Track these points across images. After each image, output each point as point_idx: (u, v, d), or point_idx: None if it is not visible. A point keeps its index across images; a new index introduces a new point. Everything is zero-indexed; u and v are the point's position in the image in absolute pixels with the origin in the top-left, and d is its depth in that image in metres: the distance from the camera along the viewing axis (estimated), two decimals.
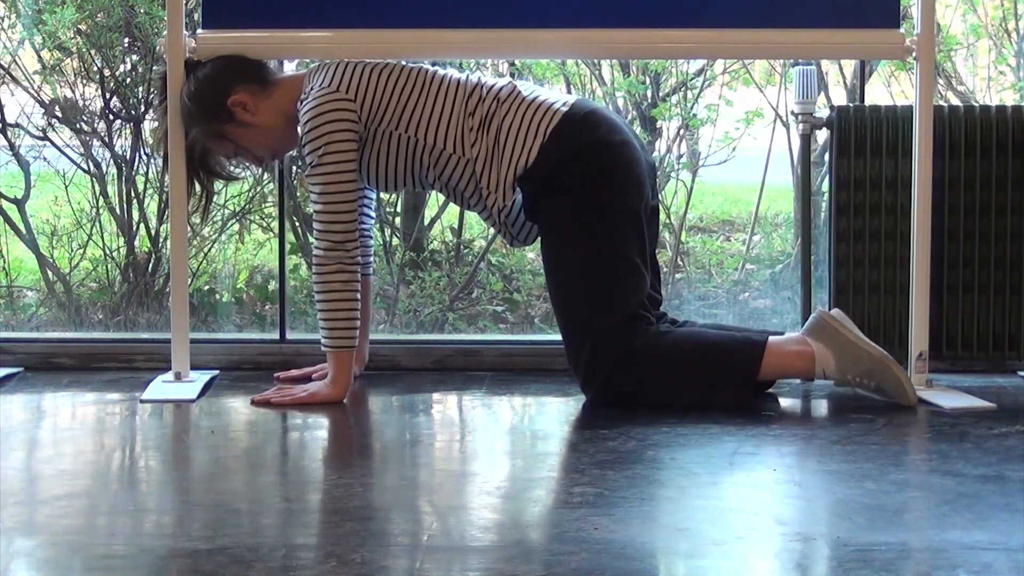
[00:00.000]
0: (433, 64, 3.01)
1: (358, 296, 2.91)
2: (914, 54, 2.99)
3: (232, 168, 3.11)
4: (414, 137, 2.89)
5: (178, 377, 3.06)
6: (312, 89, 2.89)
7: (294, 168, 3.94)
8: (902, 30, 3.02)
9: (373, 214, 3.16)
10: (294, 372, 3.13)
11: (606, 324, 2.82)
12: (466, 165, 2.89)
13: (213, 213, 3.87)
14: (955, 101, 3.84)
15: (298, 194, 3.94)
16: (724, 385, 2.83)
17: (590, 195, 2.86)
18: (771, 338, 2.87)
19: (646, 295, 2.90)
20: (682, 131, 3.94)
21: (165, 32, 3.03)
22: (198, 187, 3.02)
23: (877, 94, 3.88)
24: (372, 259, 3.16)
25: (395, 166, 2.93)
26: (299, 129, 2.90)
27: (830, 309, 2.97)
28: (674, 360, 2.83)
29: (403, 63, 2.95)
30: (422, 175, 2.94)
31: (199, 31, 3.04)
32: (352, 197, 2.88)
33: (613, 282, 2.85)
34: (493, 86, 2.93)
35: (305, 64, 3.81)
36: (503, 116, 2.88)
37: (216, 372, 3.19)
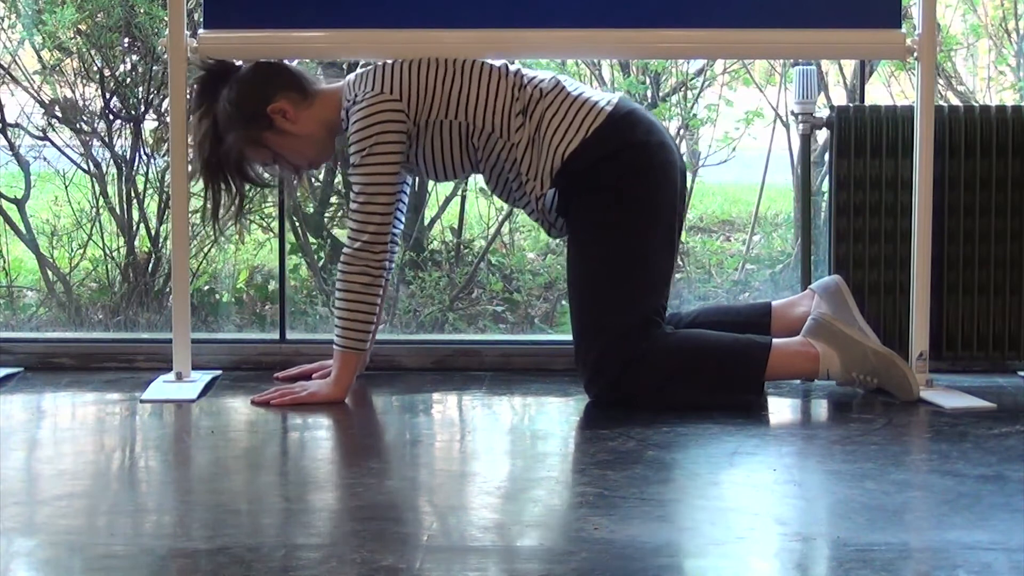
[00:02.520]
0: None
1: (377, 301, 2.91)
2: (915, 54, 2.99)
3: (267, 175, 3.10)
4: (464, 121, 2.89)
5: (179, 377, 3.06)
6: (357, 96, 2.89)
7: None
8: (904, 30, 3.02)
9: (403, 221, 3.17)
10: (293, 371, 3.13)
11: (620, 326, 2.82)
12: (510, 150, 2.89)
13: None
14: (955, 101, 3.84)
15: (298, 194, 3.94)
16: (729, 389, 2.84)
17: (624, 195, 2.86)
18: (775, 340, 2.88)
19: (665, 300, 2.91)
20: (682, 131, 3.94)
21: (166, 32, 3.03)
22: (230, 191, 3.01)
23: (877, 94, 3.88)
24: (393, 265, 3.16)
25: (450, 153, 2.92)
26: (348, 134, 2.90)
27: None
28: (679, 364, 2.83)
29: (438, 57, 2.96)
30: (477, 159, 2.94)
31: (200, 31, 3.04)
32: (390, 200, 2.88)
33: (634, 285, 2.85)
34: (535, 76, 2.93)
35: (306, 63, 3.82)
36: (546, 107, 2.88)
37: (219, 372, 3.19)
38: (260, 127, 2.94)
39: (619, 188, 2.86)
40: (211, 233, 3.05)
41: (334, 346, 2.91)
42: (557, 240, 3.86)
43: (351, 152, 2.89)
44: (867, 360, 2.87)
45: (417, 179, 3.58)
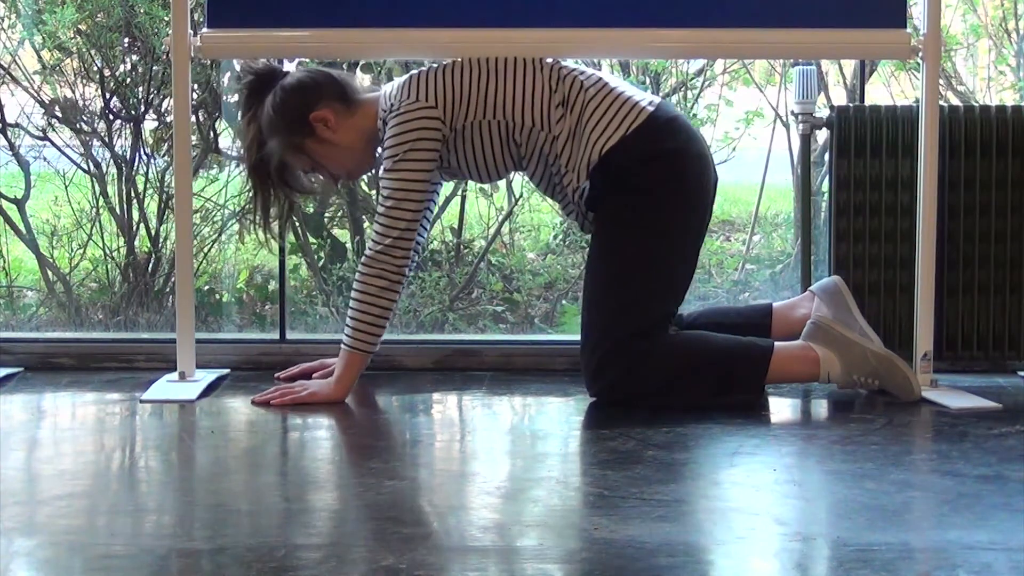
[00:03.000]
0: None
1: (391, 307, 2.91)
2: (920, 54, 2.99)
3: (307, 181, 3.09)
4: (502, 120, 2.88)
5: (182, 377, 3.06)
6: (394, 105, 2.89)
7: None
8: (909, 30, 3.02)
9: (428, 229, 3.16)
10: (294, 370, 3.12)
11: (629, 329, 2.82)
12: (552, 142, 2.88)
13: (212, 213, 3.88)
14: (955, 101, 3.84)
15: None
16: (730, 392, 2.84)
17: (657, 200, 2.86)
18: (776, 344, 2.88)
19: (677, 306, 2.92)
20: None
21: (166, 32, 3.03)
22: (277, 196, 3.02)
23: (877, 94, 3.88)
24: (410, 272, 3.15)
25: (491, 153, 2.92)
26: (383, 140, 2.90)
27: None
28: (680, 366, 2.83)
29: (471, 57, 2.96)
30: (520, 156, 2.94)
31: (203, 30, 3.04)
32: (417, 208, 2.88)
33: (651, 290, 2.85)
34: (576, 69, 2.93)
35: (305, 64, 3.82)
36: (587, 101, 2.87)
37: (227, 371, 3.19)
38: (302, 134, 2.95)
39: (652, 192, 2.86)
40: (262, 237, 3.06)
41: (342, 344, 2.91)
42: (557, 240, 3.86)
43: (384, 157, 2.89)
44: (867, 362, 2.87)
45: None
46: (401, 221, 2.87)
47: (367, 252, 2.90)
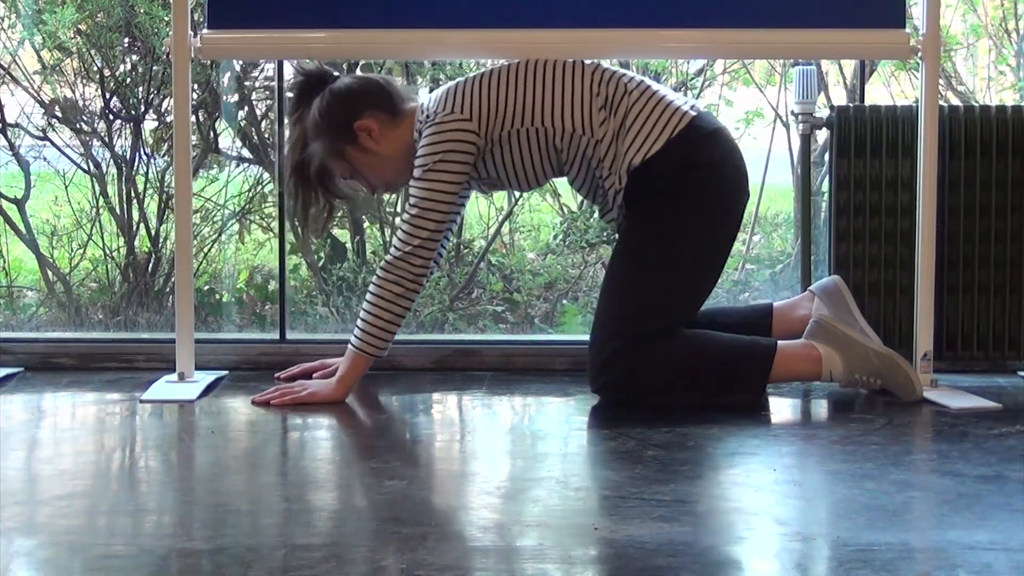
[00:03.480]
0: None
1: (404, 314, 2.90)
2: (919, 54, 2.99)
3: (346, 187, 3.09)
4: (541, 127, 2.88)
5: (182, 377, 3.06)
6: (430, 116, 2.89)
7: None
8: (908, 30, 3.02)
9: (450, 239, 3.15)
10: (294, 369, 3.12)
11: (639, 333, 2.82)
12: (595, 146, 2.87)
13: (212, 213, 3.88)
14: (955, 101, 3.84)
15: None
16: (732, 390, 2.84)
17: (690, 209, 2.86)
18: (779, 343, 2.88)
19: (692, 315, 2.92)
20: None
21: (167, 32, 3.03)
22: (317, 198, 3.02)
23: (877, 94, 3.88)
24: (427, 282, 3.13)
25: (531, 161, 2.92)
26: (418, 148, 2.90)
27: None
28: (683, 365, 2.83)
29: (508, 62, 2.95)
30: (561, 161, 2.93)
31: (204, 31, 3.04)
32: (441, 219, 2.88)
33: (669, 299, 2.84)
34: (618, 71, 2.92)
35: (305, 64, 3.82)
36: (631, 104, 2.86)
37: (225, 372, 3.19)
38: (344, 141, 2.95)
39: (687, 200, 2.86)
40: (303, 237, 3.06)
41: (349, 344, 2.91)
42: (557, 240, 3.86)
43: (416, 166, 2.89)
44: (869, 361, 2.87)
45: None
46: (423, 230, 2.87)
47: (387, 257, 2.90)
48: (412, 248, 2.87)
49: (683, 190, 2.86)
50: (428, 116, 2.90)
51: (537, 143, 2.90)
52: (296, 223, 3.04)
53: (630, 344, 2.82)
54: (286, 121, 3.07)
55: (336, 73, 3.04)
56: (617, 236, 2.99)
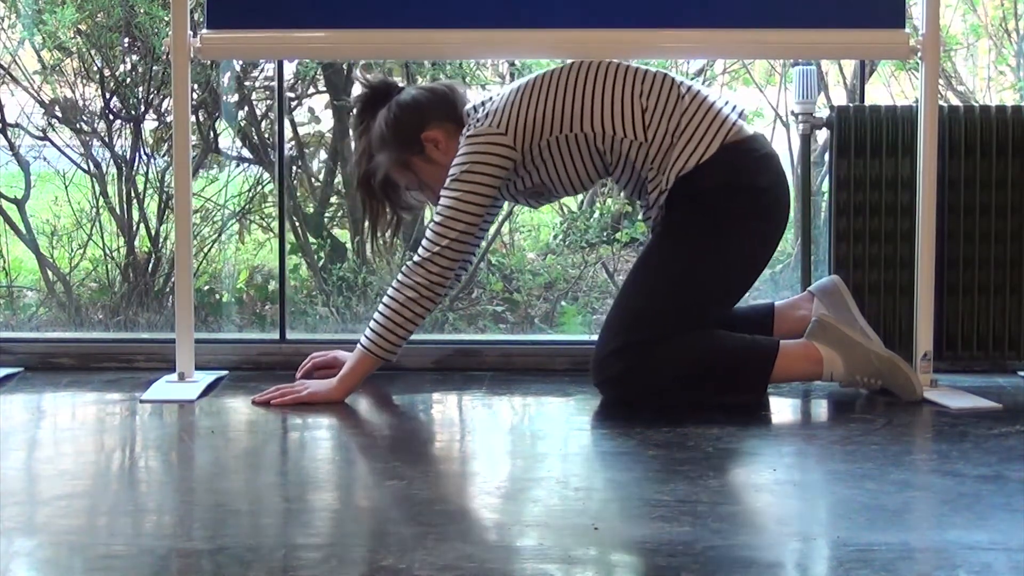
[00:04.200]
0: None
1: (416, 320, 2.89)
2: (919, 54, 2.99)
3: (410, 198, 3.09)
4: (580, 132, 2.87)
5: (182, 377, 3.06)
6: (476, 122, 2.89)
7: (294, 168, 3.94)
8: (908, 30, 3.02)
9: (478, 247, 3.13)
10: (307, 365, 3.06)
11: (648, 334, 2.82)
12: (639, 149, 2.86)
13: (212, 213, 3.88)
14: (955, 101, 3.84)
15: (298, 194, 3.94)
16: (734, 390, 2.83)
17: (728, 230, 2.85)
18: (781, 342, 2.87)
19: (705, 323, 2.90)
20: None
21: (167, 32, 3.03)
22: (384, 210, 3.04)
23: (877, 94, 3.88)
24: (449, 292, 3.11)
25: (575, 166, 2.91)
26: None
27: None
28: (687, 366, 2.82)
29: (559, 64, 2.94)
30: (607, 163, 2.92)
31: (203, 31, 3.04)
32: (464, 228, 2.87)
33: (685, 310, 2.83)
34: (667, 75, 2.91)
35: (306, 63, 3.83)
36: (685, 108, 2.86)
37: (225, 372, 3.19)
38: (411, 152, 2.96)
39: (725, 221, 2.85)
40: (373, 248, 3.06)
41: (358, 343, 2.91)
42: (557, 240, 3.86)
43: (451, 170, 2.89)
44: (871, 363, 2.87)
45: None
46: (444, 238, 2.87)
47: (411, 260, 2.90)
48: (431, 255, 2.87)
49: (725, 208, 2.85)
50: (470, 126, 2.91)
51: (578, 148, 2.89)
52: (365, 235, 3.05)
53: (634, 343, 2.82)
54: (351, 133, 3.06)
55: (400, 84, 3.04)
56: (649, 236, 2.99)
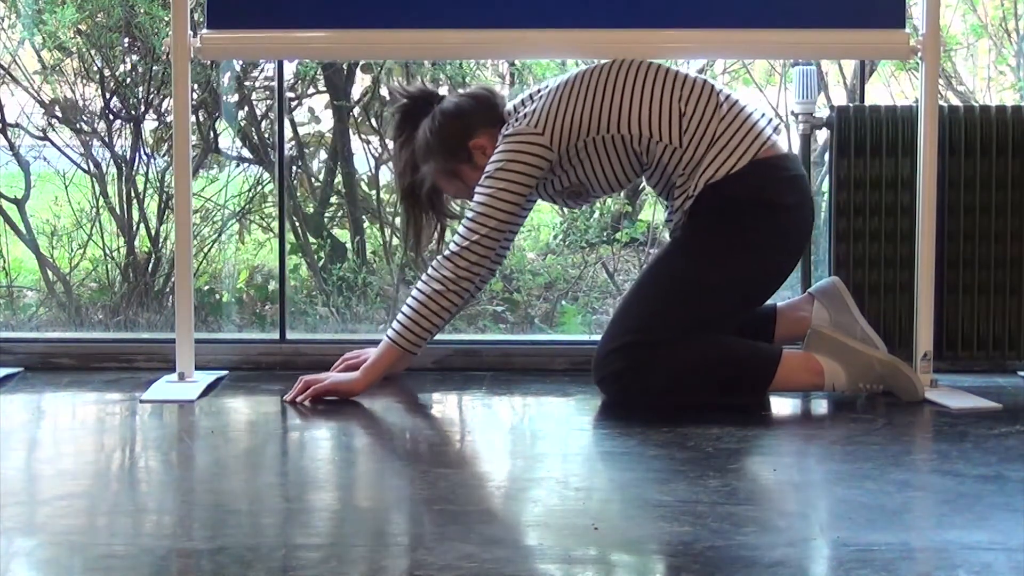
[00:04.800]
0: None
1: (442, 314, 2.89)
2: (919, 54, 2.99)
3: (453, 206, 3.10)
4: (618, 133, 2.87)
5: (182, 377, 3.06)
6: (515, 122, 2.90)
7: (294, 168, 3.94)
8: (908, 30, 3.02)
9: (508, 247, 3.13)
10: (340, 365, 3.06)
11: (653, 335, 2.81)
12: (672, 153, 2.86)
13: (212, 213, 3.88)
14: (955, 101, 3.84)
15: (298, 194, 3.94)
16: (734, 398, 2.82)
17: (748, 244, 2.85)
18: (784, 351, 2.87)
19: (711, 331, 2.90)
20: None
21: (167, 32, 3.03)
22: (429, 219, 3.04)
23: (877, 94, 3.88)
24: (478, 289, 3.11)
25: (612, 166, 2.91)
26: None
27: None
28: (688, 369, 2.81)
29: (601, 62, 2.93)
30: (643, 164, 2.92)
31: (203, 31, 3.04)
32: (496, 226, 2.88)
33: (695, 317, 2.82)
34: (707, 82, 2.91)
35: (306, 63, 3.83)
36: (721, 118, 2.85)
37: (225, 372, 3.19)
38: (458, 160, 2.96)
39: (746, 235, 2.85)
40: (418, 260, 3.06)
41: (385, 336, 2.92)
42: (557, 240, 3.85)
43: (487, 166, 2.89)
44: (872, 368, 2.87)
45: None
46: (476, 233, 2.87)
47: (442, 253, 2.90)
48: (460, 249, 2.87)
49: (748, 222, 2.85)
50: (510, 124, 2.91)
51: (615, 149, 2.89)
52: (409, 246, 3.04)
53: (637, 343, 2.81)
54: (390, 144, 3.05)
55: (440, 92, 3.05)
56: (669, 239, 2.98)
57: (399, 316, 2.91)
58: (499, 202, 2.87)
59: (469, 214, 2.89)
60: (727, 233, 2.85)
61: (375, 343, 3.18)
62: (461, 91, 3.08)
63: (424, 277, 2.90)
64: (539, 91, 2.96)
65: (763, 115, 2.93)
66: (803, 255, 2.98)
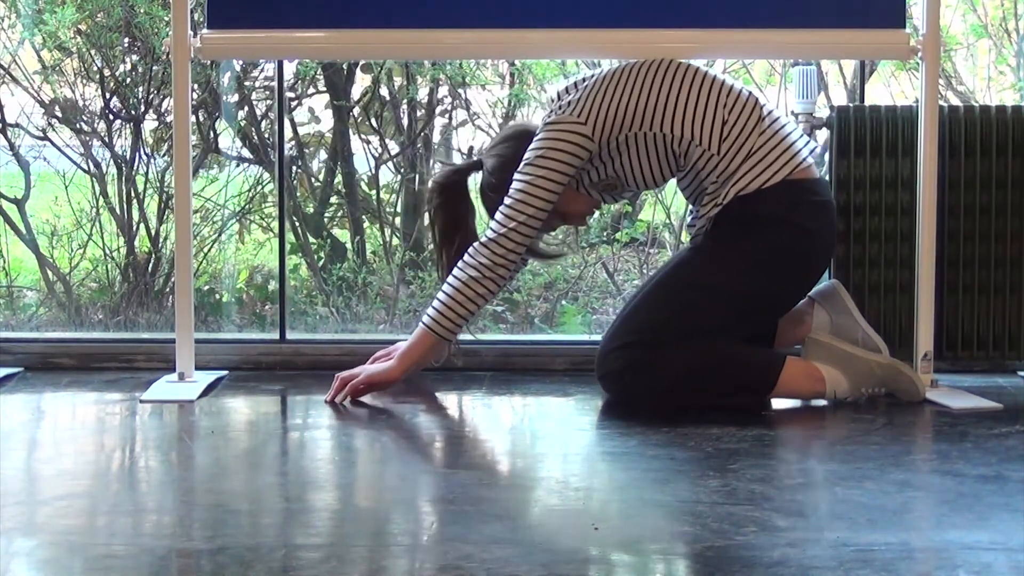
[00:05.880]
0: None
1: (477, 301, 2.88)
2: (919, 54, 2.99)
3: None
4: (660, 132, 2.86)
5: (182, 377, 3.06)
6: (559, 109, 2.89)
7: (294, 168, 3.94)
8: (908, 30, 3.02)
9: (538, 248, 3.13)
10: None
11: (658, 337, 2.81)
12: (709, 158, 2.86)
13: (212, 213, 3.88)
14: (955, 101, 3.84)
15: (298, 194, 3.94)
16: (736, 401, 2.82)
17: (766, 260, 2.85)
18: (788, 358, 2.86)
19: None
20: None
21: (167, 32, 3.03)
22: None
23: (877, 94, 3.88)
24: (512, 276, 3.10)
25: (649, 164, 2.90)
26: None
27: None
28: (689, 372, 2.81)
29: (651, 60, 2.92)
30: (679, 166, 2.92)
31: (203, 31, 3.04)
32: (533, 213, 2.86)
33: (706, 325, 2.82)
34: (751, 94, 2.90)
35: (306, 63, 3.82)
36: (761, 132, 2.85)
37: (225, 372, 3.19)
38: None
39: (766, 251, 2.85)
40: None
41: (420, 322, 2.92)
42: (557, 240, 3.85)
43: (526, 154, 2.89)
44: (872, 373, 2.87)
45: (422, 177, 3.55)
46: (513, 220, 2.86)
47: (479, 239, 2.90)
48: (497, 236, 2.87)
49: (770, 240, 2.85)
50: (552, 111, 2.91)
51: (655, 146, 2.88)
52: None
53: (640, 343, 2.81)
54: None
55: (464, 163, 3.10)
56: (690, 243, 2.98)
57: (434, 303, 2.90)
58: (537, 189, 2.86)
59: (507, 200, 2.88)
60: (748, 248, 2.85)
61: (375, 343, 3.19)
62: (495, 142, 3.07)
63: (460, 263, 2.89)
64: (583, 80, 2.95)
65: (802, 136, 2.93)
66: (816, 281, 2.95)
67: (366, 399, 2.91)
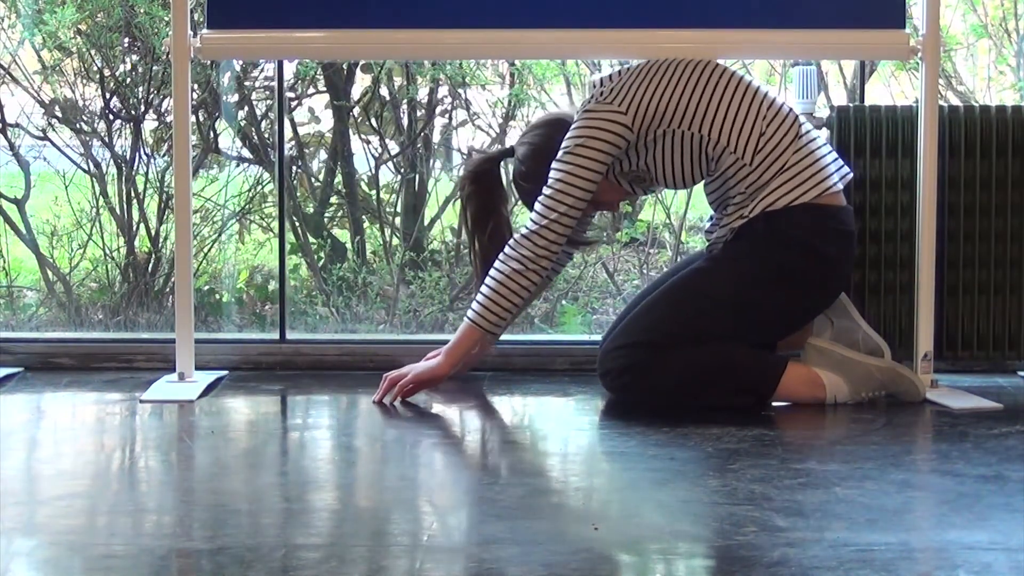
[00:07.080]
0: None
1: (521, 293, 2.87)
2: (919, 54, 2.99)
3: None
4: (698, 133, 2.85)
5: (182, 377, 3.06)
6: (600, 95, 2.88)
7: (294, 168, 3.94)
8: (908, 30, 3.02)
9: (581, 237, 3.13)
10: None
11: (661, 340, 2.81)
12: (740, 168, 2.85)
13: (212, 213, 3.88)
14: (955, 101, 3.84)
15: (298, 194, 3.94)
16: (736, 404, 2.82)
17: (782, 280, 2.84)
18: (789, 363, 2.86)
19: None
20: None
21: (167, 32, 3.04)
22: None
23: (877, 94, 3.88)
24: (556, 267, 3.12)
25: (680, 163, 2.89)
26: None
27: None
28: (691, 374, 2.81)
29: (695, 60, 2.92)
30: (710, 170, 2.91)
31: (203, 31, 3.04)
32: (573, 203, 2.85)
33: (712, 334, 2.82)
34: (791, 110, 2.90)
35: (306, 63, 3.82)
36: (797, 149, 2.85)
37: (225, 372, 3.19)
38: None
39: (782, 272, 2.84)
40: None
41: (465, 316, 2.92)
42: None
43: (563, 143, 2.88)
44: (872, 377, 2.86)
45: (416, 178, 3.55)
46: (553, 212, 2.85)
47: (519, 231, 2.89)
48: (538, 227, 2.85)
49: (788, 260, 2.84)
50: (591, 98, 2.90)
51: (691, 146, 2.87)
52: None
53: (643, 343, 2.81)
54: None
55: (497, 149, 3.11)
56: (707, 251, 2.98)
57: (478, 297, 2.89)
58: (577, 179, 2.85)
59: (547, 191, 2.86)
60: (766, 266, 2.84)
61: (375, 343, 3.19)
62: (527, 132, 3.07)
63: (502, 256, 2.88)
64: (627, 69, 2.93)
65: (836, 160, 2.93)
66: (826, 307, 2.94)
67: (415, 398, 2.90)
